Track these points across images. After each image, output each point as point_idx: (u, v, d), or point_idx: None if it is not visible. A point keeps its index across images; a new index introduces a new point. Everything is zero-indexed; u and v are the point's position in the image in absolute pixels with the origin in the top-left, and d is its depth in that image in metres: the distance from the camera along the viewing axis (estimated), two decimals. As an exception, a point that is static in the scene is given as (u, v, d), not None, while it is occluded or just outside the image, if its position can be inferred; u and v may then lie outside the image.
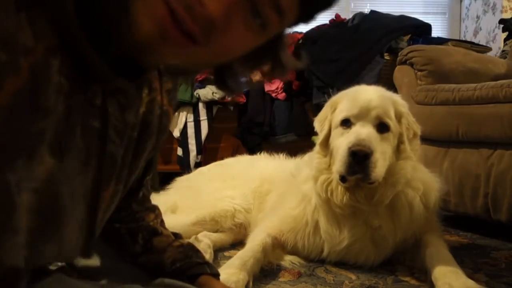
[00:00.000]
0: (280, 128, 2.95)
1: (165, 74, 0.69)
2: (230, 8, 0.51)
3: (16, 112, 0.46)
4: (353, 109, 1.33)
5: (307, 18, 0.62)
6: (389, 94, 1.42)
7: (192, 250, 0.91)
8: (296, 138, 2.91)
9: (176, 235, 0.93)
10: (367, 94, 1.36)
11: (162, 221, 0.95)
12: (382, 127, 1.32)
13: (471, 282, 1.15)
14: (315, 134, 1.51)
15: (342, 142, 1.31)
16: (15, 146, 0.47)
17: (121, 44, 0.51)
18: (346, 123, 1.34)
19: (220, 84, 0.66)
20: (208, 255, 1.40)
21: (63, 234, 0.56)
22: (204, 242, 1.46)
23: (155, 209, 0.94)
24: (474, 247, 1.64)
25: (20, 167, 0.47)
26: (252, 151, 2.65)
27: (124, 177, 0.67)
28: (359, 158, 1.24)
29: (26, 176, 0.48)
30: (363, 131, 1.29)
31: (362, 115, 1.31)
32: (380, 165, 1.26)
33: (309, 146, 1.53)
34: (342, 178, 1.31)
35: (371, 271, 1.36)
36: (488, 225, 1.80)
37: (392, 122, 1.33)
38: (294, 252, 1.46)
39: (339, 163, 1.29)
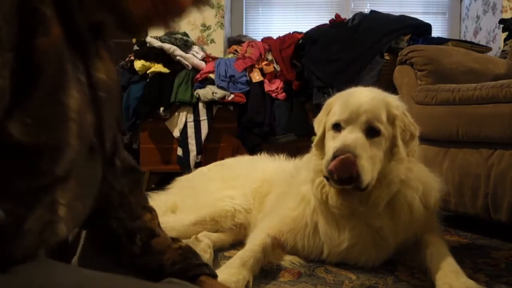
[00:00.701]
0: (280, 128, 2.95)
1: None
2: None
3: (61, 50, 0.60)
4: (343, 114, 1.33)
5: None
6: (383, 96, 1.41)
7: (190, 252, 0.92)
8: (296, 138, 2.90)
9: (173, 238, 0.94)
10: (359, 98, 1.36)
11: (158, 223, 0.95)
12: (372, 132, 1.32)
13: (471, 282, 1.15)
14: (315, 134, 1.51)
15: (330, 146, 1.32)
16: (65, 77, 0.61)
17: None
18: (337, 127, 1.35)
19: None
20: (208, 255, 1.40)
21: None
22: (204, 242, 1.46)
23: (151, 210, 0.95)
24: (474, 247, 1.65)
25: (67, 96, 0.61)
26: (252, 151, 2.64)
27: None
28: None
29: (70, 106, 0.61)
30: (350, 136, 1.29)
31: (352, 120, 1.32)
32: (367, 170, 1.26)
33: (309, 146, 1.53)
34: (327, 177, 1.32)
35: (371, 271, 1.36)
36: (488, 225, 1.80)
37: (383, 126, 1.33)
38: (294, 252, 1.46)
39: (324, 167, 1.29)
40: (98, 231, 0.88)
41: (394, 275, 1.34)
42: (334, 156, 1.25)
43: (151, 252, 0.88)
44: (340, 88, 1.53)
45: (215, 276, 0.91)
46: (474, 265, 1.41)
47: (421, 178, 1.42)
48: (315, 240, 1.43)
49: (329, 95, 1.53)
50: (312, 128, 1.51)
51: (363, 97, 1.36)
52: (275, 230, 1.45)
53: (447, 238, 1.60)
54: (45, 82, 0.57)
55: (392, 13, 3.19)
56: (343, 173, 1.23)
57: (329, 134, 1.38)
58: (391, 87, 2.03)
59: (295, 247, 1.46)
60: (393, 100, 1.41)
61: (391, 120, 1.36)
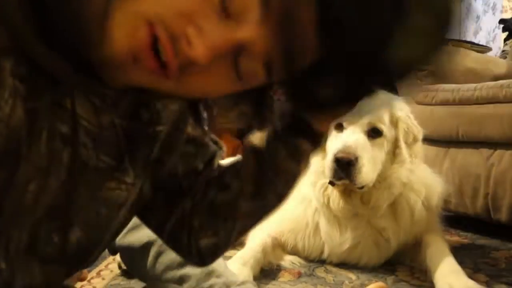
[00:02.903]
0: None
1: None
2: (219, 54, 0.45)
3: None
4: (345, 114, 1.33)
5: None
6: (387, 97, 1.41)
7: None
8: (296, 138, 2.90)
9: None
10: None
11: None
12: (374, 133, 1.32)
13: (471, 282, 1.15)
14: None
15: (332, 146, 1.32)
16: None
17: (86, 53, 0.45)
18: (340, 127, 1.35)
19: (190, 108, 0.59)
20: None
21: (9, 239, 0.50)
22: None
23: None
24: (474, 247, 1.64)
25: None
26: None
27: (134, 175, 0.59)
28: (342, 164, 1.25)
29: None
30: (351, 137, 1.29)
31: (354, 120, 1.32)
32: (367, 170, 1.26)
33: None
34: (331, 182, 1.34)
35: (371, 271, 1.36)
36: (488, 225, 1.80)
37: (385, 127, 1.33)
38: (294, 252, 1.46)
39: (326, 168, 1.30)
40: None
41: (394, 275, 1.34)
42: (335, 158, 1.25)
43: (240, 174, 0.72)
44: (340, 88, 1.53)
45: None
46: (474, 265, 1.41)
47: (424, 180, 1.42)
48: (315, 240, 1.43)
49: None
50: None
51: (366, 97, 1.36)
52: (275, 230, 1.45)
53: (447, 238, 1.60)
54: None
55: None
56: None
57: (332, 134, 1.37)
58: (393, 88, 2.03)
59: (295, 247, 1.46)
60: (397, 102, 1.41)
61: (394, 122, 1.36)
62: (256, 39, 0.45)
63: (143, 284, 1.17)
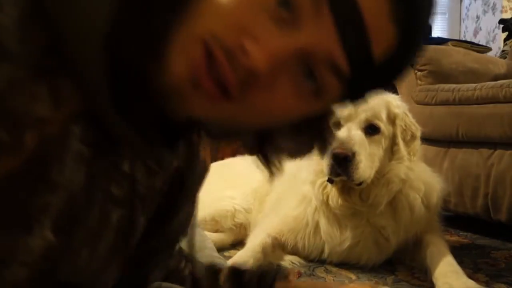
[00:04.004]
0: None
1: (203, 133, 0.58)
2: (279, 63, 0.42)
3: (12, 189, 0.40)
4: (342, 112, 1.34)
5: (355, 96, 0.51)
6: (384, 95, 1.42)
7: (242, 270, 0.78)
8: (296, 138, 2.90)
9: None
10: None
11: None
12: (371, 129, 1.33)
13: (471, 282, 1.15)
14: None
15: None
16: (10, 221, 0.41)
17: (149, 89, 0.43)
18: (337, 124, 1.36)
19: (258, 154, 0.55)
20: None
21: None
22: (204, 242, 1.46)
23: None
24: (474, 247, 1.65)
25: (12, 241, 0.41)
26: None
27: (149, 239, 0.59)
28: (339, 160, 1.26)
29: (21, 250, 0.42)
30: (348, 133, 1.30)
31: (351, 117, 1.33)
32: (364, 166, 1.27)
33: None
34: (329, 180, 1.34)
35: (371, 271, 1.37)
36: (488, 225, 1.80)
37: (383, 124, 1.34)
38: (294, 252, 1.46)
39: (324, 165, 1.31)
40: None
41: (394, 275, 1.34)
42: (332, 153, 1.26)
43: None
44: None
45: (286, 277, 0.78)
46: (474, 265, 1.41)
47: (423, 178, 1.42)
48: (315, 239, 1.43)
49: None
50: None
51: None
52: (275, 230, 1.45)
53: (447, 238, 1.60)
54: None
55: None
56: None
57: None
58: (390, 87, 2.03)
59: (295, 246, 1.46)
60: (393, 99, 1.41)
61: (392, 119, 1.37)
62: (317, 41, 0.42)
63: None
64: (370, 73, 0.46)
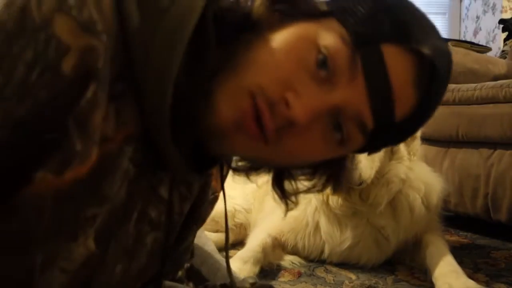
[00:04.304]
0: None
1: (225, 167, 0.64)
2: (315, 117, 0.48)
3: (69, 199, 0.43)
4: None
5: (373, 147, 0.58)
6: None
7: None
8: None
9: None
10: None
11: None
12: None
13: (471, 282, 1.15)
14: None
15: None
16: (57, 227, 0.43)
17: (196, 129, 0.49)
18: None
19: (275, 186, 0.62)
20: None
21: None
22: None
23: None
24: (474, 247, 1.65)
25: (56, 247, 0.44)
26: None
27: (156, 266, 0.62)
28: None
29: (63, 256, 0.45)
30: None
31: None
32: (363, 166, 1.27)
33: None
34: None
35: (371, 271, 1.37)
36: (488, 225, 1.80)
37: None
38: (294, 252, 1.46)
39: None
40: None
41: (394, 275, 1.34)
42: None
43: None
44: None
45: None
46: (474, 265, 1.42)
47: (423, 178, 1.42)
48: (315, 239, 1.44)
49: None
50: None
51: None
52: (276, 230, 1.45)
53: (447, 238, 1.60)
54: (14, 228, 0.41)
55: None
56: None
57: None
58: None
59: (295, 246, 1.46)
60: None
61: None
62: (349, 100, 0.49)
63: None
64: (389, 130, 0.52)
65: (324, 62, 0.48)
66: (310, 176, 0.60)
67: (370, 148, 0.57)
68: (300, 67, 0.48)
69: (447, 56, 0.54)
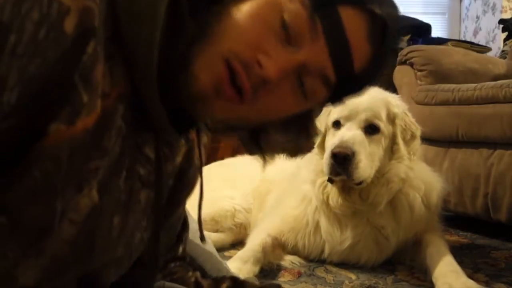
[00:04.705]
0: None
1: (203, 129, 0.69)
2: (285, 75, 0.54)
3: (80, 148, 0.48)
4: (342, 111, 1.35)
5: (337, 99, 0.64)
6: (384, 95, 1.42)
7: (243, 285, 0.83)
8: (296, 138, 2.90)
9: (220, 280, 0.85)
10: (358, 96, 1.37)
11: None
12: (371, 129, 1.34)
13: (471, 282, 1.15)
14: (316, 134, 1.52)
15: (329, 143, 1.34)
16: (70, 178, 0.48)
17: (178, 96, 0.53)
18: (337, 125, 1.37)
19: (254, 145, 0.66)
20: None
21: (90, 271, 0.56)
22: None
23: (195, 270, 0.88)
24: (474, 247, 1.65)
25: (67, 198, 0.49)
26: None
27: (151, 225, 0.65)
28: (339, 159, 1.27)
29: (71, 207, 0.49)
30: (348, 133, 1.31)
31: (351, 117, 1.34)
32: (364, 166, 1.27)
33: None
34: (329, 180, 1.35)
35: (371, 271, 1.37)
36: (488, 225, 1.80)
37: (382, 124, 1.34)
38: (294, 252, 1.46)
39: (324, 164, 1.32)
40: None
41: (394, 275, 1.34)
42: (332, 153, 1.26)
43: None
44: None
45: None
46: (474, 265, 1.42)
47: (423, 178, 1.43)
48: (316, 239, 1.44)
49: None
50: (312, 128, 1.52)
51: (362, 95, 1.38)
52: (275, 229, 1.45)
53: (447, 238, 1.60)
54: (36, 178, 0.46)
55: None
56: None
57: (330, 132, 1.39)
58: (391, 87, 2.04)
59: (296, 246, 1.46)
60: (393, 99, 1.42)
61: (391, 118, 1.37)
62: (313, 57, 0.55)
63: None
64: (350, 81, 0.59)
65: (288, 25, 0.53)
66: (283, 131, 0.65)
67: (334, 99, 0.63)
68: (267, 31, 0.53)
69: (396, 15, 0.62)
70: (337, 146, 1.27)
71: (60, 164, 0.47)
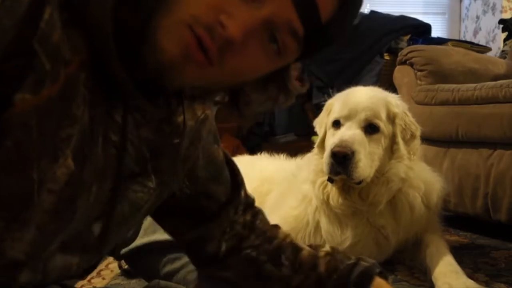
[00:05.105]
0: (280, 128, 2.96)
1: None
2: (250, 31, 0.53)
3: (47, 116, 0.48)
4: (342, 111, 1.35)
5: (309, 54, 0.63)
6: (384, 95, 1.42)
7: (340, 254, 0.85)
8: (296, 138, 2.91)
9: (315, 245, 0.88)
10: (358, 96, 1.38)
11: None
12: (371, 129, 1.33)
13: (471, 282, 1.15)
14: (315, 134, 1.52)
15: (329, 142, 1.34)
16: (43, 147, 0.49)
17: (144, 66, 0.53)
18: (337, 124, 1.37)
19: (232, 107, 0.66)
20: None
21: (75, 239, 0.58)
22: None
23: (279, 227, 0.90)
24: (474, 247, 1.65)
25: (44, 168, 0.49)
26: (252, 151, 2.65)
27: (158, 185, 0.67)
28: (339, 158, 1.26)
29: (48, 177, 0.50)
30: (347, 132, 1.31)
31: (351, 116, 1.33)
32: (363, 165, 1.27)
33: (309, 146, 1.54)
34: (329, 179, 1.35)
35: (371, 271, 1.36)
36: (488, 225, 1.80)
37: (382, 123, 1.34)
38: (294, 252, 1.46)
39: (324, 164, 1.31)
40: (238, 268, 0.83)
41: (394, 275, 1.34)
42: (332, 152, 1.26)
43: (302, 269, 0.81)
44: (340, 88, 1.54)
45: (382, 273, 0.83)
46: (474, 265, 1.42)
47: (423, 177, 1.42)
48: (316, 239, 1.43)
49: (329, 95, 1.54)
50: (312, 128, 1.52)
51: (362, 95, 1.38)
52: (275, 229, 1.45)
53: (447, 238, 1.60)
54: (9, 148, 0.47)
55: (392, 13, 3.19)
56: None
57: (329, 132, 1.39)
58: (391, 87, 2.04)
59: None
60: (393, 99, 1.42)
61: (391, 118, 1.37)
62: (277, 11, 0.54)
63: (143, 284, 1.17)
64: (319, 33, 0.59)
65: None
66: (262, 91, 0.65)
67: (307, 54, 0.62)
68: None
69: None
70: (337, 146, 1.27)
71: (31, 131, 0.47)
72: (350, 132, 1.31)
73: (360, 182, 1.31)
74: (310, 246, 0.87)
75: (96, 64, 0.52)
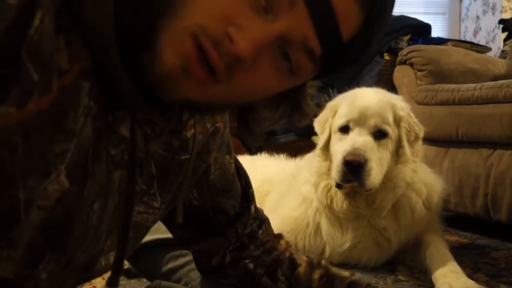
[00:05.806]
0: (280, 128, 2.95)
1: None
2: (261, 48, 0.47)
3: (36, 131, 0.43)
4: (351, 116, 1.34)
5: (329, 73, 0.57)
6: (389, 97, 1.42)
7: (335, 277, 0.85)
8: (296, 138, 2.91)
9: (312, 263, 0.86)
10: (366, 100, 1.36)
11: (293, 249, 0.90)
12: (380, 134, 1.33)
13: (471, 282, 1.15)
14: (315, 134, 1.51)
15: (339, 148, 1.32)
16: (30, 164, 0.44)
17: (143, 75, 0.48)
18: (345, 129, 1.35)
19: (239, 123, 0.61)
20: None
21: (71, 259, 0.53)
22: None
23: (282, 237, 0.89)
24: (474, 247, 1.65)
25: (32, 185, 0.45)
26: (252, 151, 2.65)
27: (162, 203, 0.64)
28: (352, 167, 1.25)
29: (38, 194, 0.46)
30: (359, 139, 1.29)
31: (360, 122, 1.32)
32: (375, 173, 1.27)
33: (309, 146, 1.54)
34: (338, 185, 1.33)
35: (371, 271, 1.36)
36: (488, 225, 1.80)
37: (390, 128, 1.33)
38: (294, 252, 1.46)
39: (334, 171, 1.30)
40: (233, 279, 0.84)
41: (394, 275, 1.34)
42: (345, 160, 1.25)
43: (298, 285, 0.82)
44: (340, 88, 1.54)
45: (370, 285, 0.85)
46: (474, 265, 1.42)
47: (425, 181, 1.42)
48: (316, 240, 1.43)
49: (329, 95, 1.53)
50: (312, 128, 1.51)
51: (370, 99, 1.36)
52: (276, 230, 1.44)
53: (447, 238, 1.60)
54: None
55: (392, 13, 3.18)
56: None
57: (336, 136, 1.37)
58: (391, 87, 2.04)
59: (296, 247, 1.45)
60: (398, 101, 1.41)
61: (397, 121, 1.37)
62: (292, 26, 0.48)
63: (144, 284, 1.17)
64: (339, 52, 0.52)
65: None
66: (274, 109, 0.59)
67: (325, 73, 0.56)
68: (238, 0, 0.46)
69: None
70: (350, 154, 1.25)
71: (16, 149, 0.42)
72: (362, 139, 1.29)
73: (370, 190, 1.30)
74: (307, 257, 0.87)
75: (100, 71, 0.48)
